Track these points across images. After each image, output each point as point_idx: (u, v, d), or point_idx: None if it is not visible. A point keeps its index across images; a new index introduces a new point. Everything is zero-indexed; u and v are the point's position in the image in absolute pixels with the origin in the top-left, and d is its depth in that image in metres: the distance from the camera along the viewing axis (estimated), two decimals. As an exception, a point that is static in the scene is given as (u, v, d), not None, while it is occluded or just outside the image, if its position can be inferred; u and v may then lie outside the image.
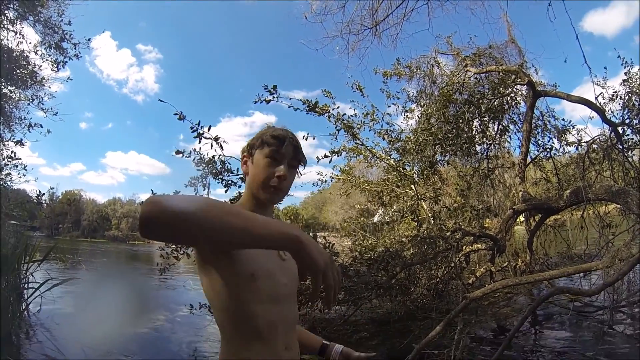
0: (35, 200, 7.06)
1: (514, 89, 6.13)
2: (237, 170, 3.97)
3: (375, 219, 8.30)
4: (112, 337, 4.84)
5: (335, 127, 4.72)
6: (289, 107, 4.19)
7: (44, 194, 7.05)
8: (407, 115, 6.18)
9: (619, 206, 5.27)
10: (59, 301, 6.68)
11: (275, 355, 1.02)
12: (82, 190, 79.11)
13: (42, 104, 8.15)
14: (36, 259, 6.15)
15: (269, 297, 1.02)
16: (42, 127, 7.99)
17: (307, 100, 4.37)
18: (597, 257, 5.25)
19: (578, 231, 6.33)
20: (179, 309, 6.53)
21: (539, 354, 4.03)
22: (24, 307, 5.64)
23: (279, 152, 1.12)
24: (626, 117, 5.78)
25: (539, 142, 6.54)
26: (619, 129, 5.63)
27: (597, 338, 4.18)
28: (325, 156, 4.38)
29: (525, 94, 6.12)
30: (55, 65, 7.85)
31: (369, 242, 5.36)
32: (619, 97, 5.99)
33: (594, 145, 5.74)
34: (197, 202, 0.80)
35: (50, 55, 7.81)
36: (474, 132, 5.54)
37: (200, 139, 3.78)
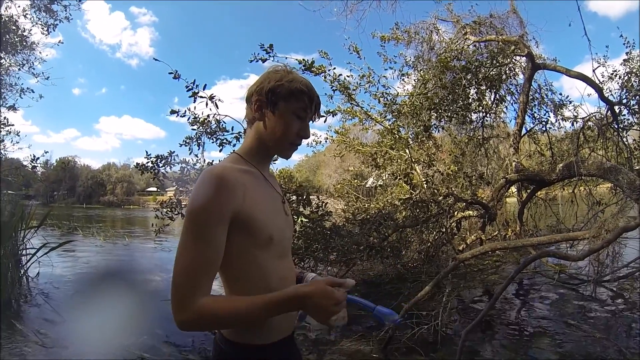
0: (29, 166, 7.05)
1: (513, 60, 6.09)
2: (232, 129, 3.97)
3: (369, 182, 8.35)
4: (109, 300, 4.93)
5: (332, 88, 4.69)
6: (285, 66, 4.14)
7: (38, 158, 7.05)
8: (403, 80, 6.13)
9: (609, 185, 5.35)
10: (57, 266, 6.78)
11: None
12: (77, 156, 78.91)
13: (33, 69, 8.06)
14: (32, 226, 6.20)
15: (280, 254, 1.04)
16: (33, 92, 7.90)
17: (304, 59, 4.34)
18: (584, 230, 5.36)
19: (568, 206, 6.43)
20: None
21: (523, 320, 4.16)
22: (22, 273, 5.72)
23: (306, 110, 1.06)
24: (624, 97, 5.75)
25: (535, 114, 6.57)
26: (616, 108, 5.63)
27: (580, 309, 4.31)
28: (320, 116, 4.36)
29: (524, 65, 6.07)
30: (45, 29, 7.69)
31: (362, 204, 5.43)
32: (618, 76, 5.97)
33: (589, 123, 5.72)
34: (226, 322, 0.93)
35: (40, 19, 7.64)
36: (470, 100, 5.50)
37: (195, 98, 3.76)
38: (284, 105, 1.02)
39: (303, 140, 1.10)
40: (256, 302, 0.88)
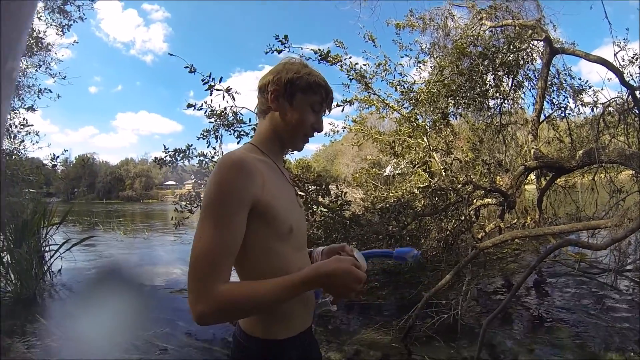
0: (50, 165, 7.19)
1: (530, 45, 5.94)
2: (250, 121, 3.99)
3: (387, 171, 8.31)
4: (130, 294, 5.03)
5: (348, 77, 4.67)
6: (301, 56, 4.14)
7: (57, 156, 7.18)
8: (420, 67, 6.05)
9: (630, 173, 5.21)
10: (79, 261, 6.95)
11: (304, 300, 1.05)
12: (95, 153, 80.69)
13: (50, 69, 8.12)
14: (54, 223, 6.34)
15: (298, 246, 1.04)
16: (51, 92, 8.01)
17: (319, 49, 4.32)
18: (605, 218, 5.25)
19: (588, 194, 6.31)
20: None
21: (543, 310, 4.12)
22: (45, 269, 5.88)
23: (322, 103, 1.06)
24: (645, 80, 5.60)
25: (554, 100, 6.40)
26: (637, 93, 5.47)
27: (600, 299, 4.25)
28: (338, 105, 4.34)
29: (541, 50, 5.92)
30: (60, 30, 7.76)
31: (381, 193, 5.41)
32: (639, 60, 5.80)
33: (609, 108, 5.56)
34: (242, 310, 0.88)
35: (54, 20, 7.71)
36: (487, 86, 5.41)
37: (212, 91, 3.78)
38: (302, 97, 1.02)
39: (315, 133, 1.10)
40: (280, 283, 0.86)
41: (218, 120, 3.97)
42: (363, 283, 0.90)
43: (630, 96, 5.41)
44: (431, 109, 4.99)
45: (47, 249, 6.00)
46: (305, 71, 1.03)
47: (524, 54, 5.96)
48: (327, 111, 1.11)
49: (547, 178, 5.95)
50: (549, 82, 6.05)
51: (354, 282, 0.88)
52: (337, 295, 0.91)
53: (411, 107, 5.18)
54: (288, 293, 0.86)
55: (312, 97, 1.03)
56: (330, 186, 4.32)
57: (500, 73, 5.61)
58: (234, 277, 0.98)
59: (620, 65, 5.57)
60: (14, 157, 7.23)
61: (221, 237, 0.84)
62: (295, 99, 1.02)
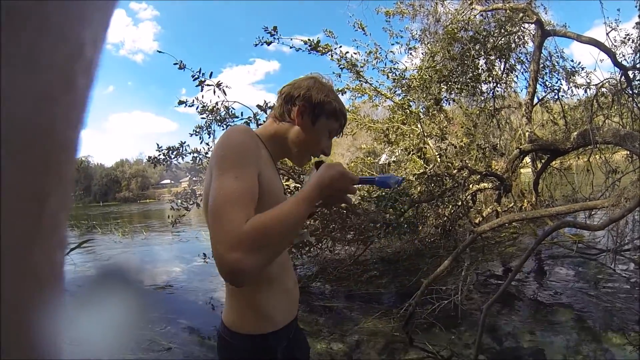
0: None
1: (522, 28, 5.94)
2: (242, 114, 3.95)
3: (382, 159, 8.32)
4: (130, 294, 5.00)
5: (339, 66, 4.64)
6: (291, 47, 4.11)
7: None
8: (411, 54, 6.09)
9: (625, 153, 5.21)
10: (79, 265, 6.94)
11: (287, 292, 1.05)
12: (90, 156, 79.92)
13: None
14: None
15: None
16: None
17: (309, 39, 4.28)
18: (602, 199, 5.26)
19: (584, 175, 6.33)
20: (193, 259, 6.72)
21: (542, 292, 4.13)
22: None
23: (338, 131, 1.10)
24: (637, 61, 5.56)
25: (547, 83, 6.43)
26: (630, 73, 5.45)
27: (599, 280, 4.26)
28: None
29: (533, 33, 5.91)
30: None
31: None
32: (631, 40, 5.78)
33: (603, 89, 5.57)
34: (267, 252, 0.77)
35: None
36: (479, 71, 5.40)
37: (202, 86, 3.75)
38: (325, 121, 1.04)
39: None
40: (294, 200, 0.82)
41: (210, 116, 3.94)
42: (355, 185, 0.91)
43: (623, 76, 5.40)
44: (424, 95, 4.97)
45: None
46: (333, 96, 1.05)
47: (516, 38, 5.97)
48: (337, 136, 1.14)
49: (543, 161, 5.96)
50: (542, 65, 6.05)
51: (349, 183, 0.88)
52: (337, 202, 0.92)
53: (404, 94, 5.16)
54: (305, 207, 0.83)
55: (333, 123, 1.05)
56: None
57: (492, 57, 5.61)
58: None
59: (612, 45, 5.56)
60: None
61: (244, 184, 0.81)
62: (319, 121, 1.03)
